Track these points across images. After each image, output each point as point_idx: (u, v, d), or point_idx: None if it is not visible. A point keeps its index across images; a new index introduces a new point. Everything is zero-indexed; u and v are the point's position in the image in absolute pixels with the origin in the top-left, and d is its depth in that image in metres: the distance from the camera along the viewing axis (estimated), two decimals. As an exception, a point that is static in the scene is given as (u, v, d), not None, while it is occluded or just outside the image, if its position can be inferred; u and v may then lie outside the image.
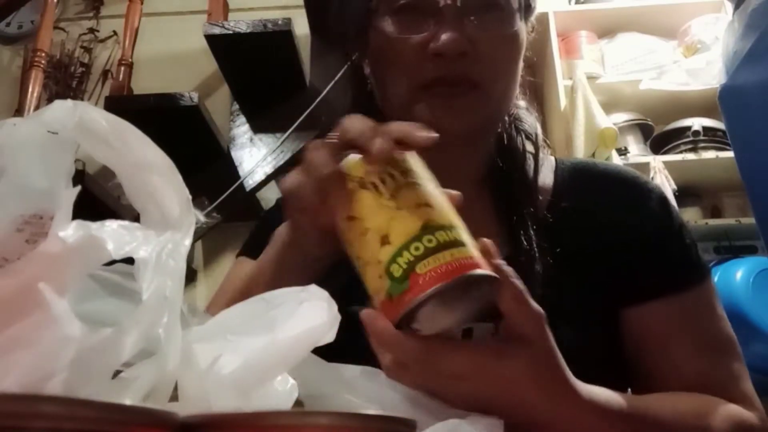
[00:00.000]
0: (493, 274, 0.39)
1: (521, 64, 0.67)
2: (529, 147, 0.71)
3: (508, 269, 0.42)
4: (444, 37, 0.60)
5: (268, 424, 0.23)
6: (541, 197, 0.68)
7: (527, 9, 0.67)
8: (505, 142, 0.70)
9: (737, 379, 0.61)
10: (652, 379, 0.62)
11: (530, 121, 0.74)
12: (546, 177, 0.71)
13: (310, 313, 0.32)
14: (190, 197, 0.34)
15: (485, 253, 0.41)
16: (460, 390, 0.42)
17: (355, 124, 0.45)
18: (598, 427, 0.46)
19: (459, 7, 0.61)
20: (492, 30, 0.62)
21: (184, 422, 0.23)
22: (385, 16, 0.64)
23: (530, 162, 0.70)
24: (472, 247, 0.40)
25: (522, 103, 0.75)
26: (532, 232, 0.62)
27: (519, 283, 0.42)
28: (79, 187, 0.29)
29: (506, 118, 0.71)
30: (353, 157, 0.43)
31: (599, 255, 0.64)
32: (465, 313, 0.40)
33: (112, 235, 0.29)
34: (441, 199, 0.42)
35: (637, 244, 0.65)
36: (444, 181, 0.57)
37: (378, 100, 0.70)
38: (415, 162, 0.43)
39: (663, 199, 0.69)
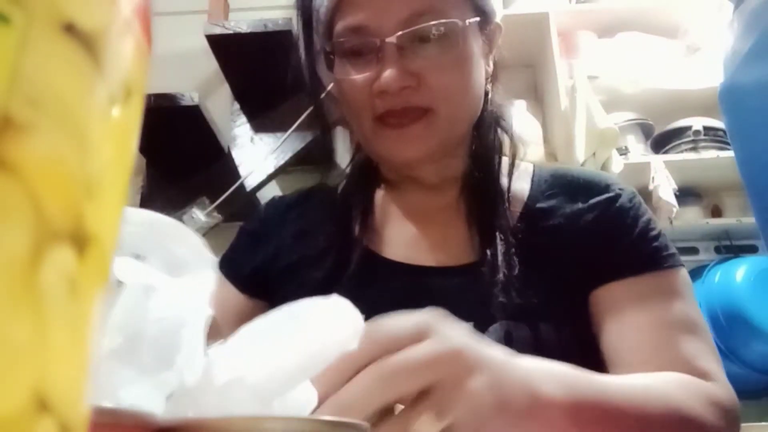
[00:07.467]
0: None
1: (478, 74, 0.69)
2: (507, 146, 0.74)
3: None
4: (384, 75, 0.63)
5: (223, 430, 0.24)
6: (516, 203, 0.71)
7: (482, 20, 0.69)
8: (479, 150, 0.73)
9: (701, 355, 0.61)
10: (613, 359, 0.63)
11: (509, 118, 0.77)
12: (522, 183, 0.74)
13: (335, 323, 0.33)
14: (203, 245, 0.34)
15: None
16: None
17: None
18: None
19: (396, 44, 0.64)
20: (433, 57, 0.65)
21: (162, 426, 0.22)
22: (334, 60, 0.70)
23: (504, 169, 0.73)
24: None
25: (503, 101, 0.78)
26: (499, 241, 0.65)
27: None
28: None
29: (485, 121, 0.73)
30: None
31: (570, 249, 0.67)
32: None
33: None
34: None
35: (603, 234, 0.68)
36: (420, 195, 0.70)
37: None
38: None
39: (632, 196, 0.72)
